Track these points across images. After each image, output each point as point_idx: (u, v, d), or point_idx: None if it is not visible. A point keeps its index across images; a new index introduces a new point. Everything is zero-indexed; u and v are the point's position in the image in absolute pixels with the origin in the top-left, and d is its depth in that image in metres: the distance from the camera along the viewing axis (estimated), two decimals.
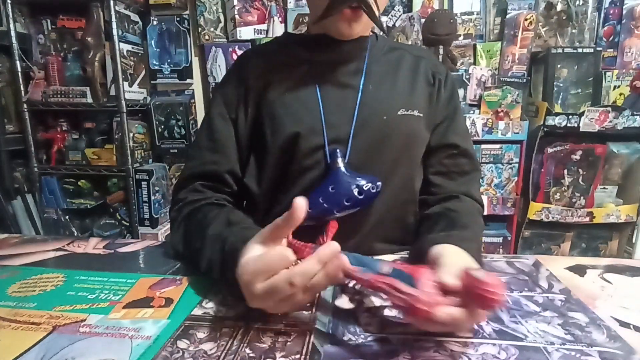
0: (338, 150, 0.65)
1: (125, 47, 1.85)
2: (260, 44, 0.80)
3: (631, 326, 0.45)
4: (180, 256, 0.63)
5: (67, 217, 2.01)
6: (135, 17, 1.93)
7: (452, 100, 0.75)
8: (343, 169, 0.64)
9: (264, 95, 0.69)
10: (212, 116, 0.71)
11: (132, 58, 1.89)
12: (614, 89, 1.77)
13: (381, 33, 0.75)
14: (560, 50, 1.73)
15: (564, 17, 1.77)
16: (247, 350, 0.40)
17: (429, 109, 0.71)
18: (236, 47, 1.92)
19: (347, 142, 0.66)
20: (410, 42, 1.83)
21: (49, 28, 1.90)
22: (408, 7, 1.88)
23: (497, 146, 1.73)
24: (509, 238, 1.80)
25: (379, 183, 0.64)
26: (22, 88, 1.86)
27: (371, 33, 0.75)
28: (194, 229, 0.60)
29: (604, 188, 1.75)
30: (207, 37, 1.96)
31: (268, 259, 0.41)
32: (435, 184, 0.72)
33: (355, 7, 0.62)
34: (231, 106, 0.71)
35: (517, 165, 1.74)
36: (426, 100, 0.71)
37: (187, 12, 1.99)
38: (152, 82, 2.02)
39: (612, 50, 1.81)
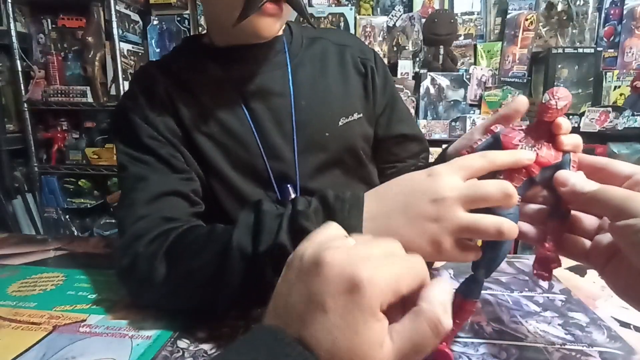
0: (289, 186, 0.60)
1: (126, 46, 1.85)
2: (159, 59, 0.66)
3: (631, 326, 0.45)
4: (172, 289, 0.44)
5: (67, 216, 2.01)
6: (135, 16, 1.93)
7: (387, 86, 0.69)
8: None
9: (192, 129, 0.58)
10: (140, 140, 0.55)
11: (132, 57, 1.89)
12: (615, 89, 1.77)
13: (305, 23, 0.64)
14: (560, 51, 1.73)
15: (565, 17, 1.77)
16: None
17: (367, 103, 0.67)
18: None
19: (294, 171, 0.61)
20: (410, 42, 1.83)
21: (50, 27, 1.90)
22: (408, 7, 1.88)
23: None
24: None
25: None
26: (22, 87, 1.86)
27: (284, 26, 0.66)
28: (201, 239, 0.45)
29: None
30: None
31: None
32: (389, 168, 0.72)
33: (278, 0, 0.53)
34: (157, 129, 0.56)
35: None
36: (362, 96, 0.67)
37: (188, 11, 1.98)
38: None
39: (612, 50, 1.81)
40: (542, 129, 0.35)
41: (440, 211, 0.33)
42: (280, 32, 0.63)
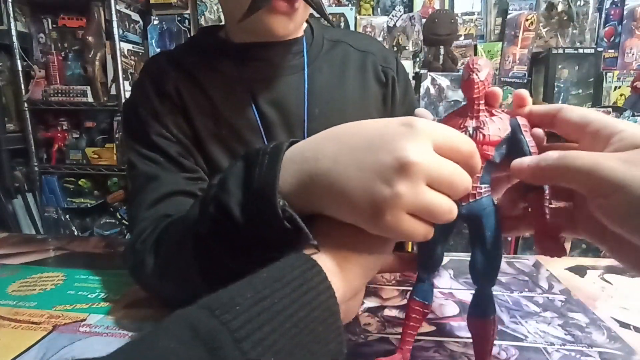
0: None
1: (126, 46, 1.85)
2: (172, 49, 0.64)
3: (631, 327, 0.44)
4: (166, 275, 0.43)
5: (67, 216, 2.02)
6: (136, 16, 1.93)
7: (407, 96, 0.67)
8: None
9: (200, 129, 0.57)
10: (150, 138, 0.55)
11: (132, 57, 1.89)
12: (615, 89, 1.77)
13: (325, 22, 0.63)
14: (561, 51, 1.73)
15: (565, 18, 1.77)
16: None
17: (384, 114, 0.65)
18: None
19: None
20: (410, 42, 1.83)
21: (50, 27, 1.91)
22: (409, 7, 1.89)
23: None
24: (509, 238, 1.79)
25: None
26: (22, 87, 1.87)
27: (305, 24, 0.63)
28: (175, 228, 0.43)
29: None
30: None
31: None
32: None
33: None
34: (167, 127, 0.56)
35: None
36: (379, 108, 0.64)
37: (188, 11, 1.99)
38: None
39: (612, 50, 1.81)
40: (475, 106, 0.32)
41: (401, 177, 0.26)
42: (300, 33, 0.61)
